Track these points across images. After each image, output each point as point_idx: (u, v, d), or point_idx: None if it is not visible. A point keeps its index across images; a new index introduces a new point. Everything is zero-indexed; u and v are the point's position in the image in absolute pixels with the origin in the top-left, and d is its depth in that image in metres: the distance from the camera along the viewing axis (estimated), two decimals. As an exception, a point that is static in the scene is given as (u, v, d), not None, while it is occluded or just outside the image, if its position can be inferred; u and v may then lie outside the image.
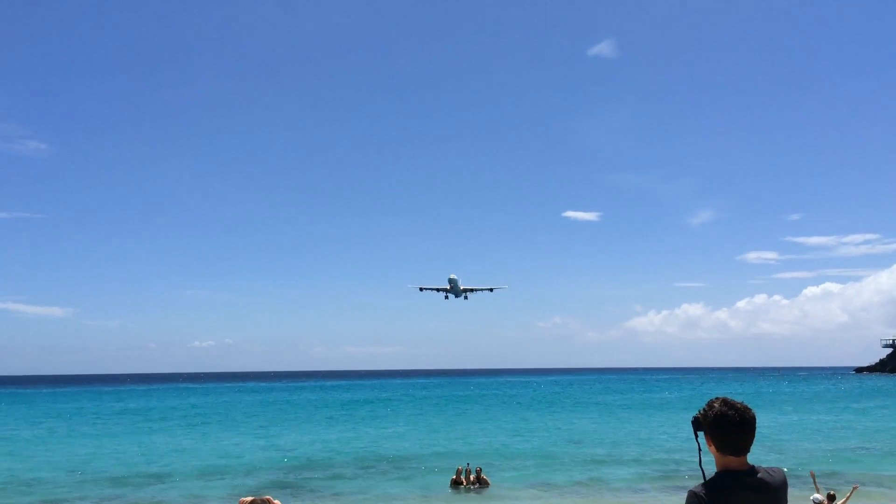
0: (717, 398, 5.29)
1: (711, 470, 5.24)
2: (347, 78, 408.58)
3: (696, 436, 5.39)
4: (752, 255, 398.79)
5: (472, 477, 34.16)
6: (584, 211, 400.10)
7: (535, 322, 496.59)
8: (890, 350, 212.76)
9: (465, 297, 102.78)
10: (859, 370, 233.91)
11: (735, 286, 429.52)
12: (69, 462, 44.59)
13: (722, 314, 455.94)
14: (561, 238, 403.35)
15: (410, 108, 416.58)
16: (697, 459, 5.55)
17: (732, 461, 5.14)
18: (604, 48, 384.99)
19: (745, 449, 5.17)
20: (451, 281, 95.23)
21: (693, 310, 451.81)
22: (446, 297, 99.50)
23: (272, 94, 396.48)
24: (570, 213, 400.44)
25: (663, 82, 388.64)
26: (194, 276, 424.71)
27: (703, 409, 5.27)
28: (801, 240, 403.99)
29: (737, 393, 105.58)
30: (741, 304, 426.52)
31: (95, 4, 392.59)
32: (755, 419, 5.17)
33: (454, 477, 34.37)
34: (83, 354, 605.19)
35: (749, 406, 5.22)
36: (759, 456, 4.54)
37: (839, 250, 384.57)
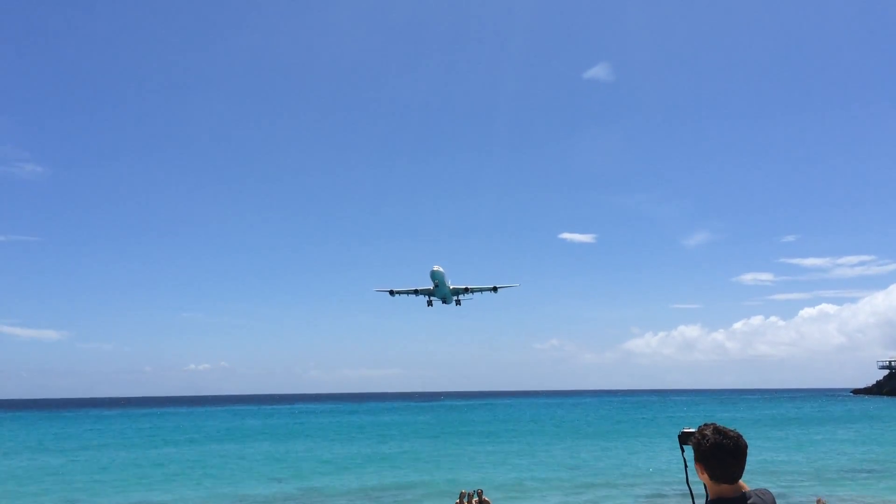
0: (708, 425, 5.23)
1: (698, 487, 5.45)
2: (346, 99, 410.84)
3: (682, 450, 5.50)
4: (748, 277, 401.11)
5: (474, 500, 34.77)
6: (581, 233, 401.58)
7: (532, 344, 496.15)
8: (886, 372, 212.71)
9: (458, 302, 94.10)
10: (856, 392, 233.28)
11: (731, 308, 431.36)
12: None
13: (719, 335, 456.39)
14: (557, 259, 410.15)
15: (407, 130, 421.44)
16: (684, 476, 5.66)
17: (726, 489, 5.12)
18: (599, 71, 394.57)
19: (739, 476, 5.15)
20: (435, 275, 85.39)
21: (690, 331, 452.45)
22: (429, 303, 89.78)
23: (267, 112, 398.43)
24: (567, 235, 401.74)
25: (658, 105, 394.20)
26: (189, 298, 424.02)
27: (696, 437, 5.19)
28: (796, 261, 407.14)
29: (735, 419, 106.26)
30: (738, 325, 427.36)
31: (90, 31, 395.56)
32: (747, 446, 5.17)
33: (457, 501, 34.92)
34: (78, 378, 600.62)
35: (740, 432, 5.21)
36: (748, 478, 5.39)
37: (834, 272, 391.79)
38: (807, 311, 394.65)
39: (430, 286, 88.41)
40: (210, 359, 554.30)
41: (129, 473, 51.77)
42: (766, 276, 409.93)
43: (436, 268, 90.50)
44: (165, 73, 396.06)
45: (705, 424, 5.22)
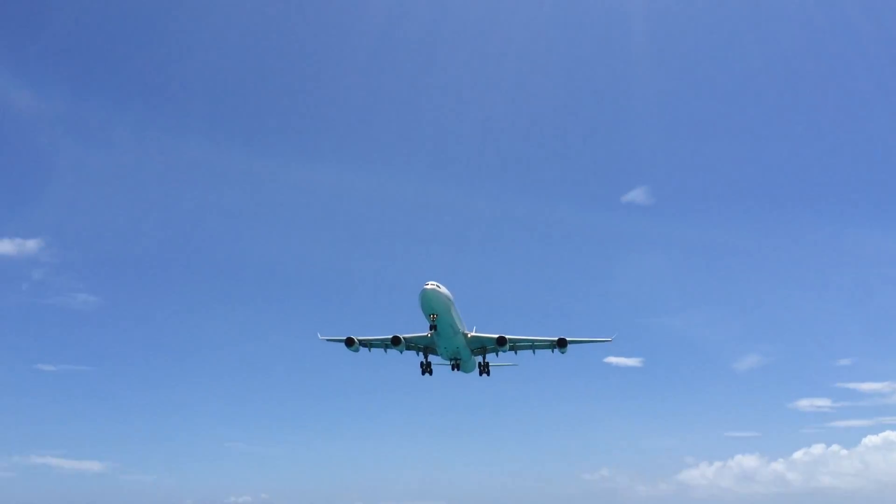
0: None
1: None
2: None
3: None
4: (805, 403, 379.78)
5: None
6: (627, 356, 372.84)
7: (581, 474, 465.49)
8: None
9: (486, 370, 56.06)
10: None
11: (789, 435, 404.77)
12: None
13: (778, 466, 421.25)
14: (603, 384, 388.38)
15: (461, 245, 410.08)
16: None
17: None
18: (638, 195, 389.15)
19: None
20: (429, 301, 44.09)
21: (747, 461, 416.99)
22: (425, 369, 52.02)
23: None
24: (612, 359, 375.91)
25: (699, 227, 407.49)
26: (231, 427, 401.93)
27: None
28: (853, 385, 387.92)
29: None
30: (798, 454, 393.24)
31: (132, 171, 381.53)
32: None
33: None
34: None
35: None
36: None
37: (894, 397, 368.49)
38: (870, 439, 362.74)
39: (426, 332, 47.01)
40: (251, 490, 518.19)
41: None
42: (823, 402, 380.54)
43: (429, 286, 50.41)
44: (204, 207, 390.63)
45: None
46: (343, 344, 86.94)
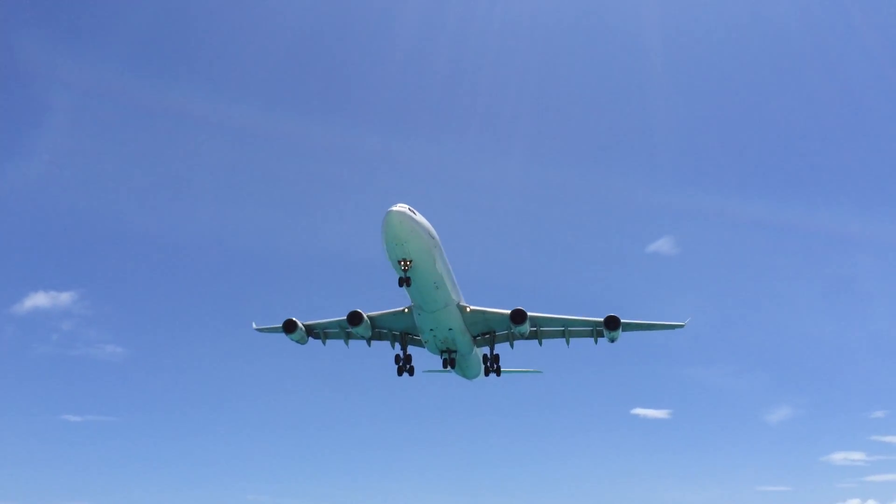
0: None
1: None
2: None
3: None
4: (838, 456, 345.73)
5: None
6: (655, 408, 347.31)
7: None
8: None
9: (495, 367, 45.44)
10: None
11: (824, 490, 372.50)
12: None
13: None
14: (631, 436, 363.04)
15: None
16: None
17: None
18: (662, 245, 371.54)
19: None
20: (394, 238, 35.21)
21: None
22: (402, 366, 45.39)
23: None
24: (640, 411, 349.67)
25: (726, 278, 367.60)
26: (254, 479, 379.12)
27: None
28: (888, 439, 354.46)
29: None
30: None
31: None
32: None
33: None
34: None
35: None
36: None
37: None
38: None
39: (402, 307, 43.50)
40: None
41: None
42: (857, 456, 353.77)
43: (396, 208, 38.45)
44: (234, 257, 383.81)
45: None
46: (283, 332, 58.92)
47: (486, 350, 56.84)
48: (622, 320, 55.22)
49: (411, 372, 56.90)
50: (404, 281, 43.22)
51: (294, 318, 57.52)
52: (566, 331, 55.76)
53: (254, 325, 63.38)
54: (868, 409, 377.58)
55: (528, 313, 52.99)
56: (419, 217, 44.80)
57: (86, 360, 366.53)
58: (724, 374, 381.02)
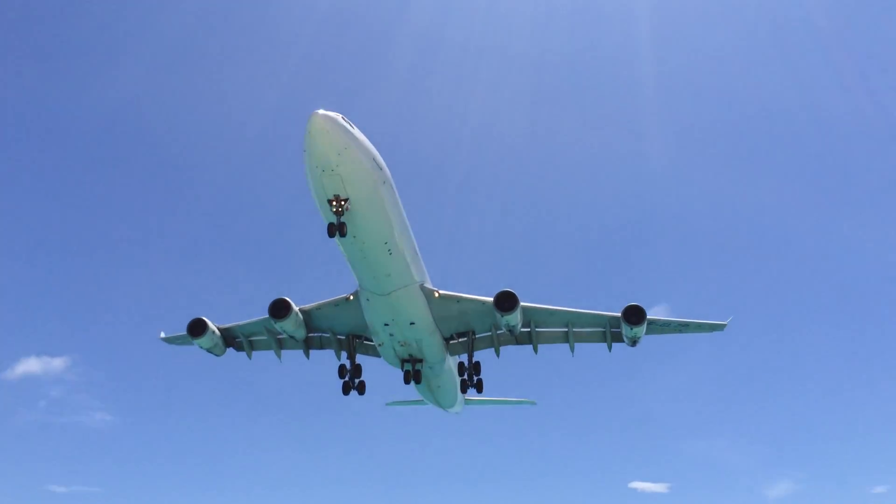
0: None
1: None
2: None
3: None
4: None
5: None
6: (653, 481, 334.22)
7: None
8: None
9: (475, 382, 36.84)
10: None
11: None
12: None
13: None
14: None
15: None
16: None
17: None
18: (658, 312, 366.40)
19: None
20: (321, 156, 25.28)
21: None
22: (348, 382, 35.24)
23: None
24: (638, 484, 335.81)
25: (723, 348, 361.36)
26: None
27: None
28: None
29: None
30: None
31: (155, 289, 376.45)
32: None
33: None
34: None
35: None
36: None
37: None
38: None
39: (346, 294, 34.85)
40: None
41: None
42: None
43: (320, 112, 28.23)
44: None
45: None
46: (189, 337, 43.79)
47: (464, 357, 41.98)
48: (648, 315, 40.62)
49: (361, 389, 41.90)
50: (336, 228, 28.23)
51: (204, 318, 42.56)
52: (570, 332, 41.21)
53: (161, 335, 48.66)
54: (870, 484, 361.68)
55: (524, 304, 38.38)
56: (356, 131, 30.00)
57: (73, 428, 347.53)
58: (723, 447, 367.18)
